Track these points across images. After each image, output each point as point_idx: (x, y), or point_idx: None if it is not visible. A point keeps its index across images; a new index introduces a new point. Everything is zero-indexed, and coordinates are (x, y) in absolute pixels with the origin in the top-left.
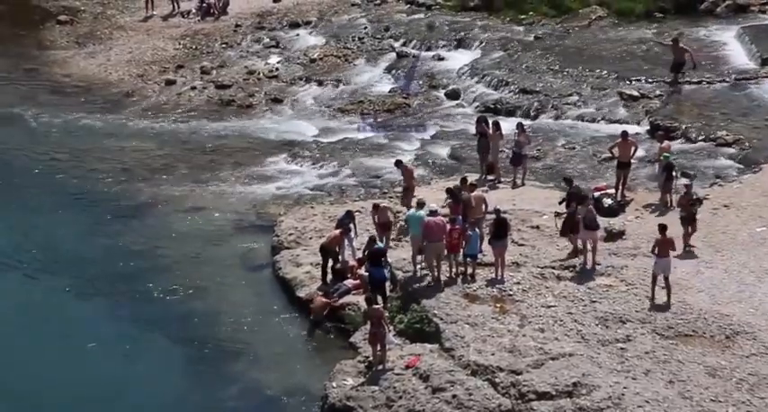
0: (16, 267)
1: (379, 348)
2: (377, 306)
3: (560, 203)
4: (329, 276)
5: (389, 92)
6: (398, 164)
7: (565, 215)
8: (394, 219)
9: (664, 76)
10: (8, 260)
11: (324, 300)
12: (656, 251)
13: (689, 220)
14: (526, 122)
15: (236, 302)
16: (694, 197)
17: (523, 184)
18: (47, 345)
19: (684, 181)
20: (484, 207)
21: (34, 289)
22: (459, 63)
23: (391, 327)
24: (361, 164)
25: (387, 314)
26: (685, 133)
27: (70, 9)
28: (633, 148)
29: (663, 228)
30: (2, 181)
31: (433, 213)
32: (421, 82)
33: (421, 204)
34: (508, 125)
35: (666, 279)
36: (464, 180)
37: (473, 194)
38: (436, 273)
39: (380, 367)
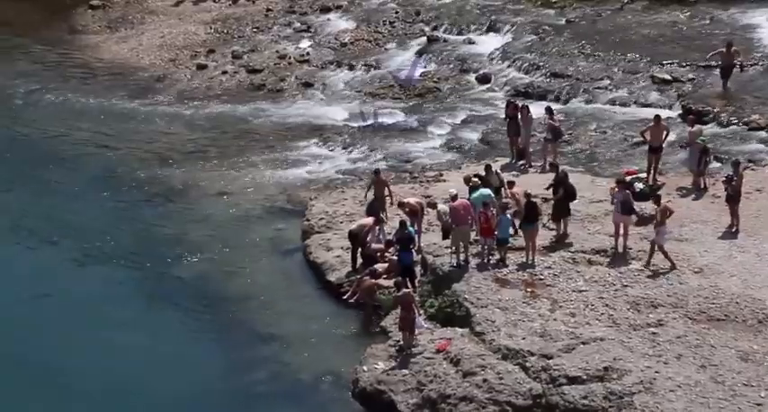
0: (48, 249)
1: (408, 333)
2: (407, 290)
3: (547, 189)
4: (359, 261)
5: (420, 76)
6: (376, 173)
7: (552, 201)
8: (423, 204)
9: (696, 60)
10: (40, 242)
11: (371, 281)
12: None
13: (735, 199)
14: (558, 106)
15: (267, 286)
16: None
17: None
18: (78, 328)
19: (716, 164)
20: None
21: (65, 271)
22: (490, 47)
23: (422, 312)
24: (392, 148)
25: (417, 298)
26: (717, 117)
27: None
28: (665, 132)
29: (657, 198)
30: (34, 164)
31: (454, 198)
32: (452, 66)
33: (477, 186)
34: (540, 109)
35: (661, 247)
36: (488, 167)
37: (514, 191)
38: (463, 257)
39: (410, 351)
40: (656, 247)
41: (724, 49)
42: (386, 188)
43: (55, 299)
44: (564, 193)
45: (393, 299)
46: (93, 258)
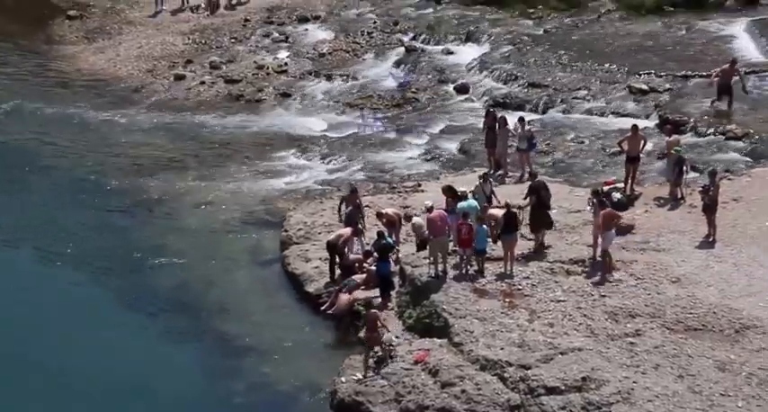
0: (25, 259)
1: (377, 350)
2: (373, 310)
3: (525, 198)
4: (337, 272)
5: (398, 87)
6: (353, 191)
7: (528, 208)
8: (400, 215)
9: (673, 70)
10: (17, 252)
11: (348, 296)
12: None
13: (712, 209)
14: (535, 117)
15: (245, 296)
16: (704, 186)
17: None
18: (54, 337)
19: (693, 174)
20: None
21: (42, 281)
22: (468, 57)
23: (389, 329)
24: (370, 158)
25: (395, 309)
26: (694, 127)
27: (80, 4)
28: (642, 142)
29: (601, 202)
30: (12, 174)
31: (430, 209)
32: (430, 76)
33: (464, 196)
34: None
35: (606, 252)
36: (485, 175)
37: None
38: (441, 268)
39: (375, 370)
40: (602, 252)
41: (727, 66)
42: (358, 208)
43: (30, 308)
44: (536, 201)
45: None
46: (70, 267)
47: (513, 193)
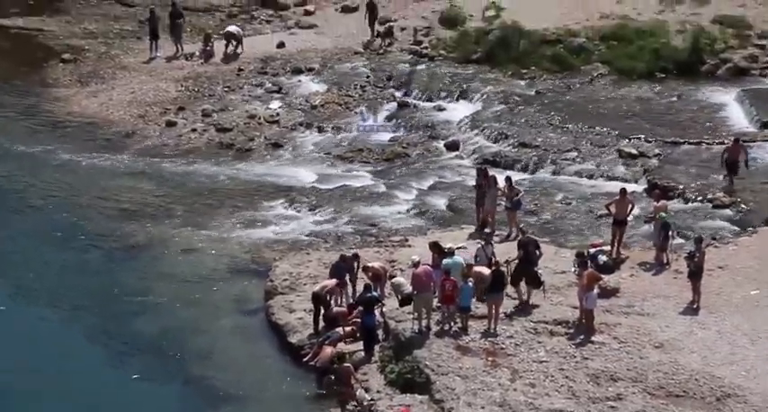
0: (6, 301)
1: (349, 406)
2: (346, 365)
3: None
4: (321, 323)
5: (389, 140)
6: (355, 256)
7: (515, 263)
8: (386, 269)
9: (663, 136)
10: None
11: (332, 349)
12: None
13: (697, 275)
14: (524, 176)
15: (228, 346)
16: (690, 253)
17: (517, 237)
18: (33, 382)
19: (680, 240)
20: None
21: (21, 323)
22: (460, 115)
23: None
24: (359, 211)
25: (378, 363)
26: (682, 193)
27: (74, 48)
28: (630, 206)
29: (583, 262)
30: None
31: (416, 264)
32: (421, 132)
33: (452, 252)
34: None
35: (589, 312)
36: (489, 236)
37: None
38: (425, 323)
39: None
40: (585, 312)
41: (731, 144)
42: (351, 269)
43: (6, 350)
44: (523, 256)
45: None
46: (50, 310)
47: (499, 251)
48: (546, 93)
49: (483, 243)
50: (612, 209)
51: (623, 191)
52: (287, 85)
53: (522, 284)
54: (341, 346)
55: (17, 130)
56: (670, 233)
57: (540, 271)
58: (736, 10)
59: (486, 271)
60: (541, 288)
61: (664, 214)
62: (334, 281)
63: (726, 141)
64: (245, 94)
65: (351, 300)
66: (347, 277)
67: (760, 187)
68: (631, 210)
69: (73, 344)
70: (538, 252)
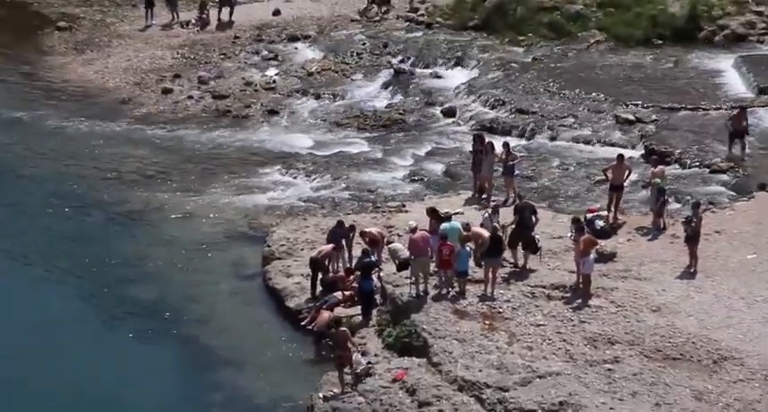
0: (4, 267)
1: (347, 370)
2: (342, 329)
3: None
4: (318, 288)
5: (386, 107)
6: (351, 227)
7: (511, 228)
8: (383, 235)
9: (660, 102)
10: None
11: (329, 313)
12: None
13: (694, 240)
14: (522, 142)
15: (226, 311)
16: (687, 218)
17: (515, 202)
18: (31, 348)
19: (677, 205)
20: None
21: (19, 290)
22: (457, 81)
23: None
24: (356, 177)
25: (375, 327)
26: (679, 159)
27: (69, 16)
28: (627, 172)
29: (580, 228)
30: None
31: (414, 230)
32: (418, 98)
33: (449, 217)
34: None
35: (586, 277)
36: (496, 208)
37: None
38: (422, 288)
39: (344, 390)
40: (582, 277)
41: (736, 112)
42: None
43: (10, 317)
44: (519, 221)
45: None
46: (51, 278)
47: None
48: (543, 59)
49: (490, 212)
50: (609, 174)
51: (620, 156)
52: (283, 52)
53: (519, 249)
54: (338, 311)
55: (13, 98)
56: (665, 198)
57: (537, 236)
58: None
59: (485, 233)
60: (538, 253)
61: (659, 180)
62: (330, 246)
63: (723, 107)
64: (240, 61)
65: (348, 265)
66: (344, 242)
67: (757, 152)
68: (628, 175)
69: (69, 309)
70: (534, 217)
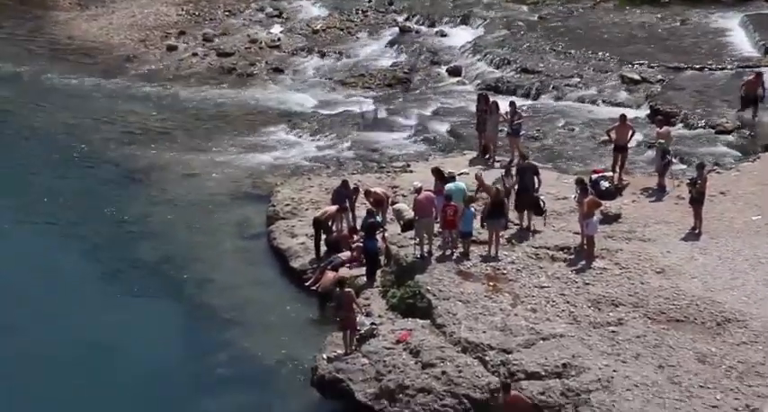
0: (7, 225)
1: (349, 331)
2: (348, 290)
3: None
4: (323, 248)
5: (391, 66)
6: (356, 189)
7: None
8: (388, 195)
9: (666, 62)
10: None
11: (334, 273)
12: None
13: (699, 201)
14: (527, 102)
15: (230, 270)
16: (691, 179)
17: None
18: (34, 305)
19: (682, 166)
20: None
21: (25, 247)
22: (462, 40)
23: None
24: (360, 137)
25: (379, 288)
26: (685, 119)
27: None
28: (630, 132)
29: (584, 189)
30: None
31: (418, 190)
32: (423, 57)
33: (452, 177)
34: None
35: (590, 238)
36: (508, 171)
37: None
38: (426, 249)
39: (351, 350)
40: (585, 239)
41: (752, 77)
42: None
43: (10, 275)
44: (520, 182)
45: (334, 298)
46: (53, 234)
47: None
48: (549, 18)
49: (504, 173)
50: (613, 135)
51: (623, 116)
52: (288, 9)
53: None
54: (343, 271)
55: (17, 54)
56: (669, 158)
57: (542, 197)
58: None
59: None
60: (543, 216)
61: (662, 141)
62: (335, 207)
63: (729, 67)
64: (245, 18)
65: (352, 225)
66: (347, 203)
67: (764, 113)
68: (632, 135)
69: (71, 267)
70: (537, 178)
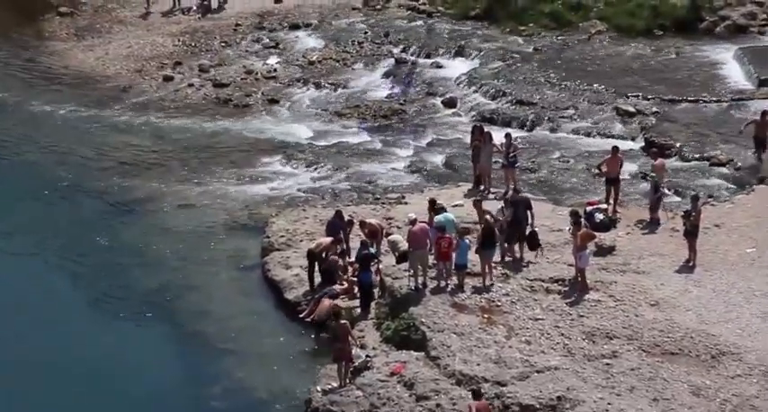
0: (5, 257)
1: (344, 363)
2: (343, 321)
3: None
4: (317, 280)
5: (386, 97)
6: (350, 222)
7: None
8: (383, 226)
9: (661, 94)
10: None
11: (330, 301)
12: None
13: (693, 234)
14: (522, 134)
15: (225, 302)
16: (686, 211)
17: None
18: (31, 335)
19: (676, 198)
20: None
21: (20, 278)
22: (458, 72)
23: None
24: (356, 168)
25: (374, 320)
26: (680, 151)
27: (71, 1)
28: (620, 163)
29: (577, 221)
30: None
31: (413, 222)
32: (418, 88)
33: (443, 208)
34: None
35: (582, 271)
36: (506, 201)
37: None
38: (421, 280)
39: (346, 382)
40: (578, 271)
41: (758, 119)
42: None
43: (10, 307)
44: (512, 216)
45: (330, 329)
46: (49, 265)
47: (494, 208)
48: (544, 50)
49: (503, 205)
50: (604, 167)
51: (615, 148)
52: (284, 40)
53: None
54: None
55: (14, 84)
56: (662, 191)
57: (536, 230)
58: None
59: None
60: (538, 250)
61: (654, 175)
62: (329, 239)
63: (723, 99)
64: (242, 49)
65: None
66: (341, 234)
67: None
68: (621, 166)
69: (66, 298)
70: (530, 212)
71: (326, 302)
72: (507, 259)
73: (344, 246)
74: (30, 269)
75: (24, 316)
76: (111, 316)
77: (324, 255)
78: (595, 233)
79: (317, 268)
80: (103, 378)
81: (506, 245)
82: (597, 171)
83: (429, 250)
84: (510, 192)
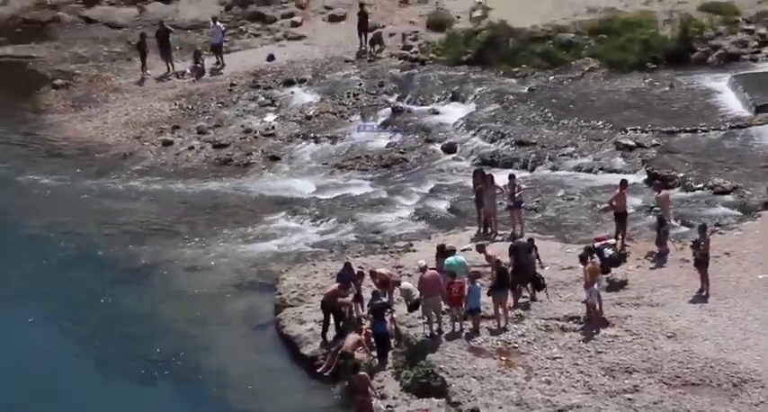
0: (16, 328)
1: None
2: (362, 374)
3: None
4: (331, 333)
5: (386, 146)
6: (360, 274)
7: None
8: (393, 275)
9: (659, 126)
10: (7, 322)
11: (357, 335)
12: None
13: (704, 263)
14: (524, 174)
15: (241, 361)
16: (694, 241)
17: (521, 236)
18: (43, 407)
19: (684, 229)
20: None
21: (31, 350)
22: (455, 117)
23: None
24: (361, 219)
25: (392, 369)
26: (683, 182)
27: (65, 73)
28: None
29: (582, 257)
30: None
31: (423, 269)
32: (417, 136)
33: (452, 251)
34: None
35: (593, 306)
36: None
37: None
38: (436, 327)
39: None
40: (588, 307)
41: None
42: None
43: (22, 378)
44: (514, 262)
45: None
46: (60, 336)
47: (503, 252)
48: (539, 89)
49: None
50: (614, 202)
51: (623, 182)
52: (280, 97)
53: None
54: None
55: (13, 159)
56: (667, 225)
57: (540, 270)
58: None
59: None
60: (544, 290)
61: (658, 208)
62: (335, 284)
63: (721, 127)
64: (238, 108)
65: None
66: (352, 286)
67: (761, 171)
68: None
69: (83, 368)
70: (532, 254)
71: (354, 336)
72: (520, 301)
73: (357, 291)
74: (37, 338)
75: (33, 385)
76: (125, 382)
77: (337, 301)
78: (605, 268)
79: (331, 320)
80: None
81: (513, 291)
82: (607, 206)
83: (441, 296)
84: (518, 234)
